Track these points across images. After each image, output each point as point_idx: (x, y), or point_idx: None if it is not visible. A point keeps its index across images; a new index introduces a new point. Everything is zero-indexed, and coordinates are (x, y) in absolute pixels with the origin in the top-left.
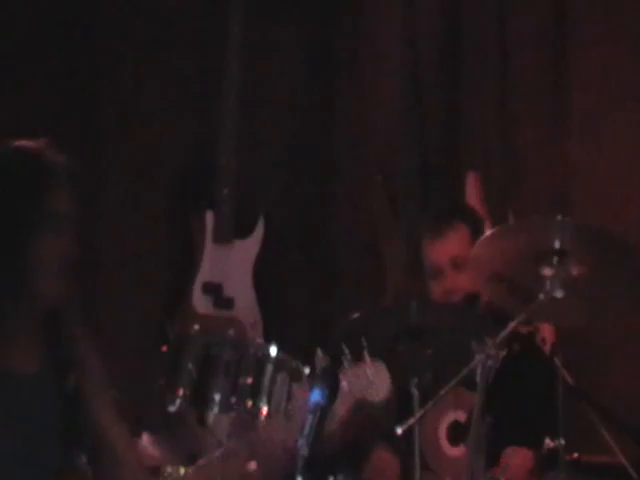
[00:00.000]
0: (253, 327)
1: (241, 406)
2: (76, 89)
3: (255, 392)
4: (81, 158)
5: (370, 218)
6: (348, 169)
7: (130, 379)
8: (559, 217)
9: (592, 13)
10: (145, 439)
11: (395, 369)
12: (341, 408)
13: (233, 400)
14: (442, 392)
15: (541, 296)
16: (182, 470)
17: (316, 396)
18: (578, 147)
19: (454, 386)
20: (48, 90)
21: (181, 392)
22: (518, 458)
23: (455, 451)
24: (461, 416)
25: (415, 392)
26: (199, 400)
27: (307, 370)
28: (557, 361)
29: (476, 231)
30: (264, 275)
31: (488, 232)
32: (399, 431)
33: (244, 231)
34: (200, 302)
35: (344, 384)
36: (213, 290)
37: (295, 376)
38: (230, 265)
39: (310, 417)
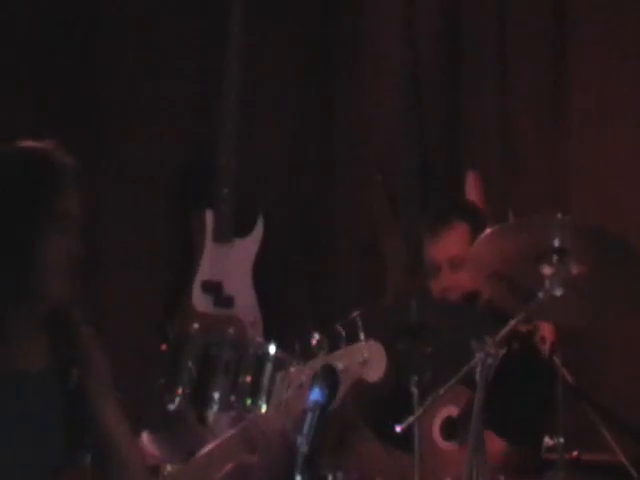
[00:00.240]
0: (253, 326)
1: (240, 405)
2: (76, 89)
3: (254, 391)
4: (81, 158)
5: (370, 218)
6: (348, 169)
7: (130, 378)
8: (559, 216)
9: (592, 13)
10: (145, 438)
11: (395, 368)
12: (340, 390)
13: (233, 399)
14: (441, 391)
15: (541, 295)
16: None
17: (316, 395)
18: (578, 147)
19: (456, 383)
20: (48, 90)
21: (181, 391)
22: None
23: (449, 446)
24: (454, 411)
25: (415, 391)
26: (199, 399)
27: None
28: (556, 360)
29: (478, 228)
30: (264, 274)
31: (488, 231)
32: (398, 429)
33: (244, 230)
34: (200, 301)
35: (340, 365)
36: (213, 289)
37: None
38: (230, 264)
39: (310, 415)
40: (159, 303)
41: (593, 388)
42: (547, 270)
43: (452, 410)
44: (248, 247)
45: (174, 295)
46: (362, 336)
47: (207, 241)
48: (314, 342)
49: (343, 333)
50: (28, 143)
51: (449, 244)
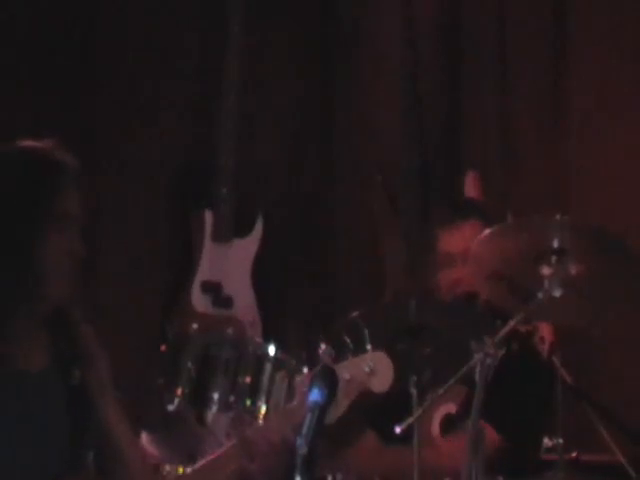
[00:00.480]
0: (252, 326)
1: (240, 405)
2: (76, 89)
3: (254, 391)
4: (81, 158)
5: (370, 218)
6: (348, 169)
7: (129, 378)
8: (558, 216)
9: (592, 13)
10: (144, 438)
11: (394, 367)
12: (344, 399)
13: (232, 399)
14: (441, 391)
15: (540, 295)
16: (180, 470)
17: (315, 395)
18: (578, 147)
19: (456, 383)
20: (48, 90)
21: (180, 391)
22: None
23: (446, 443)
24: (452, 408)
25: (414, 391)
26: (198, 399)
27: (305, 369)
28: (556, 360)
29: (488, 227)
30: (263, 274)
31: (487, 231)
32: (398, 430)
33: (243, 230)
34: (199, 301)
35: (347, 375)
36: (212, 289)
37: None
38: (229, 264)
39: (309, 416)
40: (159, 303)
41: (593, 388)
42: (546, 270)
43: (451, 407)
44: (247, 247)
45: (173, 295)
46: (369, 346)
47: (206, 241)
48: (321, 352)
49: (350, 343)
50: (28, 143)
51: (465, 238)
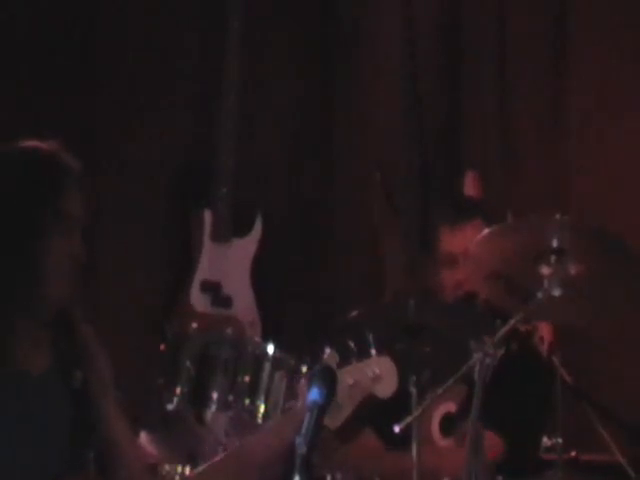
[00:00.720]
0: (251, 326)
1: (239, 404)
2: (76, 89)
3: (253, 390)
4: (81, 158)
5: (370, 218)
6: (348, 169)
7: (129, 378)
8: (557, 216)
9: (592, 13)
10: (143, 437)
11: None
12: (348, 405)
13: (231, 398)
14: (440, 391)
15: (539, 295)
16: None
17: (314, 395)
18: (578, 147)
19: (456, 383)
20: (48, 90)
21: (179, 390)
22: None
23: (446, 442)
24: (452, 408)
25: (413, 390)
26: (197, 398)
27: (304, 368)
28: (555, 360)
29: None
30: (263, 274)
31: (487, 230)
32: (397, 429)
33: (243, 230)
34: (198, 300)
35: (351, 380)
36: (211, 289)
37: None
38: (228, 264)
39: (308, 416)
40: (159, 303)
41: (593, 388)
42: (546, 270)
43: (451, 407)
44: (247, 247)
45: (173, 295)
46: (373, 351)
47: (206, 241)
48: (325, 355)
49: (354, 347)
50: (31, 143)
51: (468, 238)
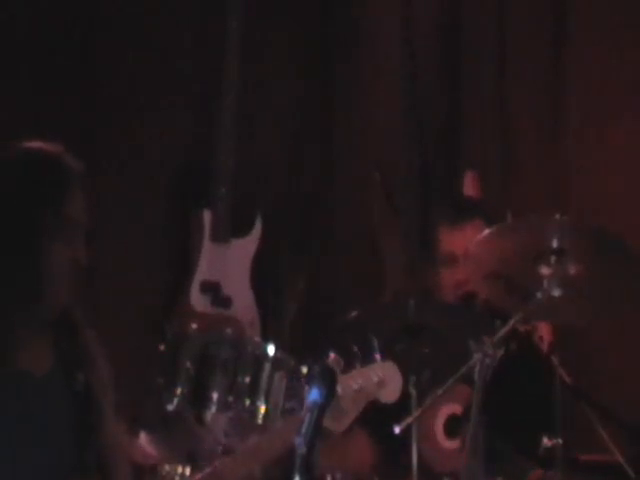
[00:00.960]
0: (251, 326)
1: (239, 405)
2: (76, 89)
3: (253, 391)
4: (81, 158)
5: (370, 218)
6: (348, 169)
7: (129, 378)
8: (557, 216)
9: (592, 13)
10: (143, 438)
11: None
12: (353, 410)
13: (231, 399)
14: (440, 391)
15: (539, 295)
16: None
17: (314, 395)
18: (578, 147)
19: (455, 383)
20: (48, 90)
21: (179, 391)
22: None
23: (452, 444)
24: (457, 409)
25: (413, 391)
26: (197, 399)
27: (305, 369)
28: (555, 360)
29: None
30: (262, 274)
31: (486, 231)
32: (397, 430)
33: (242, 230)
34: (198, 301)
35: (355, 386)
36: (211, 289)
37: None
38: (228, 264)
39: (308, 416)
40: (159, 303)
41: (593, 388)
42: (545, 270)
43: (455, 408)
44: (246, 247)
45: (173, 295)
46: (378, 356)
47: (205, 241)
48: (329, 361)
49: (358, 352)
50: (35, 145)
51: (469, 238)
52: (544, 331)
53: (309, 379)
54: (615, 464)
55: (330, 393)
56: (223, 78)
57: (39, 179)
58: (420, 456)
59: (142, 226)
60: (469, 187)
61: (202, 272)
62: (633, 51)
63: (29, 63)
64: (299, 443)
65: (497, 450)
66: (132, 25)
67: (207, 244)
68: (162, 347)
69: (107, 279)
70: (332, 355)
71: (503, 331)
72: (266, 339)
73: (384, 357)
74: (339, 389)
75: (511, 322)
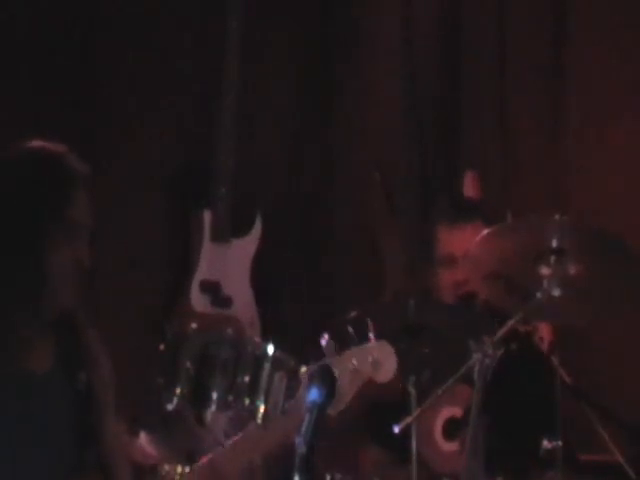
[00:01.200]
0: (251, 326)
1: (239, 404)
2: (76, 89)
3: (253, 391)
4: (80, 158)
5: (369, 218)
6: (348, 169)
7: (128, 378)
8: (557, 216)
9: (592, 13)
10: (143, 438)
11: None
12: (349, 390)
13: (231, 398)
14: (439, 391)
15: (539, 295)
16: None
17: (314, 394)
18: (578, 147)
19: (455, 383)
20: (48, 90)
21: (179, 391)
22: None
23: (451, 446)
24: (457, 412)
25: (412, 391)
26: (197, 399)
27: (304, 369)
28: (555, 360)
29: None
30: (262, 274)
31: (486, 231)
32: (396, 430)
33: (242, 230)
34: (198, 300)
35: (350, 366)
36: (211, 288)
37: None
38: (228, 264)
39: (307, 416)
40: (159, 303)
41: (593, 388)
42: (545, 270)
43: (455, 411)
44: (246, 247)
45: (173, 295)
46: (372, 336)
47: (205, 241)
48: (324, 342)
49: (353, 333)
50: (39, 146)
51: (469, 239)
52: (544, 331)
53: (309, 378)
54: (615, 464)
55: (330, 393)
56: (223, 78)
57: (42, 180)
58: (419, 458)
59: (142, 226)
60: (469, 187)
61: (202, 272)
62: (633, 51)
63: (29, 63)
64: (299, 443)
65: (497, 450)
66: (132, 25)
67: (207, 244)
68: (162, 347)
69: (107, 279)
70: (326, 336)
71: (503, 331)
72: (266, 339)
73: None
74: (335, 371)
75: (511, 322)
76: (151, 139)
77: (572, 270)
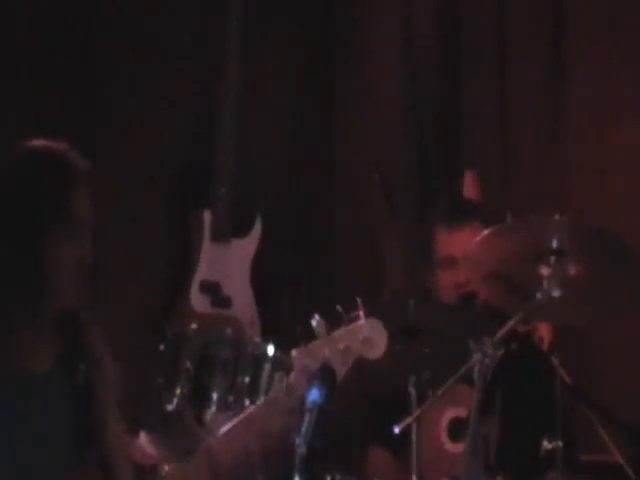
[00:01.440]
0: (251, 326)
1: (239, 405)
2: (75, 89)
3: (252, 391)
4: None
5: (369, 218)
6: (348, 169)
7: (128, 378)
8: (557, 216)
9: (592, 13)
10: (143, 438)
11: (393, 368)
12: (341, 369)
13: (231, 399)
14: (439, 392)
15: (539, 295)
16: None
17: (314, 395)
18: (578, 147)
19: (455, 383)
20: (48, 90)
21: (179, 391)
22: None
23: (456, 447)
24: (462, 412)
25: (412, 391)
26: (197, 399)
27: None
28: (555, 360)
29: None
30: (262, 274)
31: (486, 231)
32: (396, 430)
33: (242, 230)
34: (198, 301)
35: (341, 345)
36: (211, 289)
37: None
38: (228, 264)
39: (308, 416)
40: (159, 303)
41: (593, 388)
42: (545, 270)
43: (459, 411)
44: (246, 247)
45: (173, 295)
46: (362, 314)
47: (205, 241)
48: (314, 323)
49: (343, 313)
50: (41, 144)
51: (467, 240)
52: (544, 331)
53: (309, 378)
54: (615, 465)
55: (330, 393)
56: (223, 78)
57: (44, 177)
58: (424, 459)
59: (142, 226)
60: (469, 187)
61: (202, 272)
62: (633, 51)
63: (29, 63)
64: (299, 443)
65: (497, 450)
66: (132, 25)
67: (207, 244)
68: (162, 347)
69: (107, 279)
70: (317, 317)
71: (503, 331)
72: (266, 339)
73: (367, 315)
74: (326, 351)
75: (511, 322)
76: (151, 139)
77: (572, 270)
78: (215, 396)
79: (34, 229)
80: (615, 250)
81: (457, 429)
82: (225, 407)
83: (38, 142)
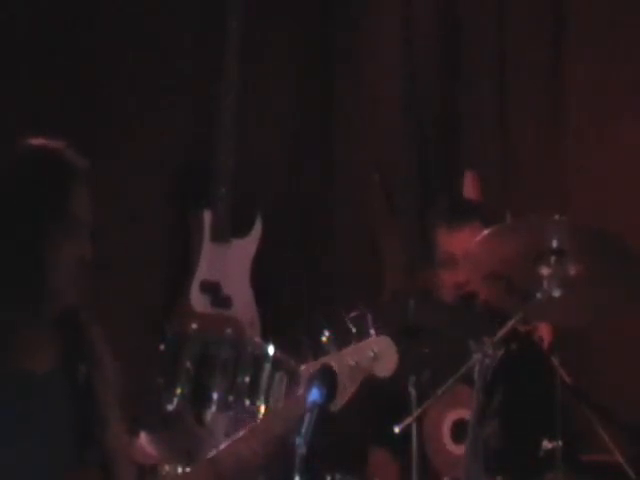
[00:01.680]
0: (251, 326)
1: (239, 405)
2: (75, 89)
3: (253, 391)
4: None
5: (369, 218)
6: (348, 169)
7: (128, 378)
8: (557, 217)
9: (592, 13)
10: (143, 438)
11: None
12: (350, 386)
13: (231, 399)
14: (439, 392)
15: (539, 295)
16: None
17: (314, 395)
18: (578, 147)
19: (455, 384)
20: (48, 90)
21: (179, 391)
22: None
23: (459, 449)
24: (465, 414)
25: (413, 391)
26: (197, 399)
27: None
28: (555, 360)
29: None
30: (262, 274)
31: (486, 231)
32: (397, 430)
33: (243, 230)
34: (198, 301)
35: (352, 361)
36: (211, 289)
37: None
38: (228, 264)
39: (308, 416)
40: (159, 303)
41: (593, 388)
42: (545, 271)
43: (462, 413)
44: (246, 247)
45: (173, 295)
46: (372, 331)
47: (205, 241)
48: (324, 339)
49: (353, 329)
50: (39, 143)
51: (466, 240)
52: (544, 331)
53: (309, 378)
54: (615, 464)
55: (330, 393)
56: (223, 78)
57: (44, 177)
58: (427, 461)
59: (142, 226)
60: (469, 187)
61: (202, 272)
62: (633, 51)
63: (29, 63)
64: (299, 443)
65: (497, 450)
66: (132, 25)
67: (207, 244)
68: (162, 347)
69: (107, 279)
70: (326, 333)
71: (503, 331)
72: (266, 339)
73: (378, 332)
74: (335, 366)
75: (511, 322)
76: (151, 139)
77: (572, 270)
78: (215, 396)
79: (34, 229)
80: (615, 250)
81: (461, 431)
82: (225, 407)
83: (36, 141)
